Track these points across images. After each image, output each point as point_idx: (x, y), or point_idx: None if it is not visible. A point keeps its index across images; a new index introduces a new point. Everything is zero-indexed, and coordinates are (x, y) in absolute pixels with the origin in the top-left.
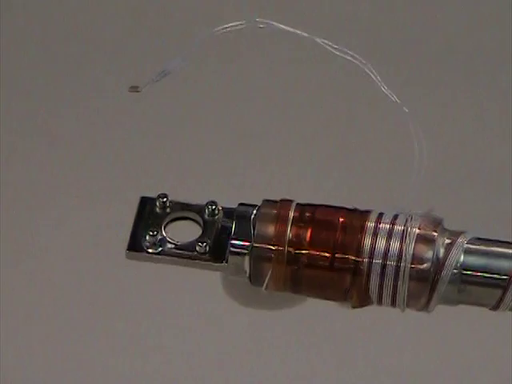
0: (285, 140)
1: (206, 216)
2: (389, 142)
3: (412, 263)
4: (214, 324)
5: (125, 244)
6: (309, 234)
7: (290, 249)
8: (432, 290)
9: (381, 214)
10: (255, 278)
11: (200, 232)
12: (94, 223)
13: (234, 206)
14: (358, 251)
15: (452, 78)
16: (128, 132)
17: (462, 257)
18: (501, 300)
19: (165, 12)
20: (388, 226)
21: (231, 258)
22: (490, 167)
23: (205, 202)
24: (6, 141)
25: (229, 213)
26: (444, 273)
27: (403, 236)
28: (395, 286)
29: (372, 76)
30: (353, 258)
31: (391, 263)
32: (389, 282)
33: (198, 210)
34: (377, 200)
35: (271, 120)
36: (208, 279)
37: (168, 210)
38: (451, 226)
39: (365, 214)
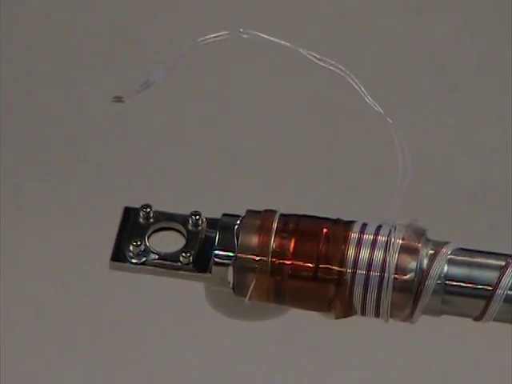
0: (268, 150)
1: (190, 226)
2: (372, 152)
3: (395, 274)
4: (197, 335)
5: (108, 254)
6: (292, 244)
7: (274, 259)
8: (416, 300)
9: (364, 225)
10: (239, 288)
11: (184, 242)
12: (77, 233)
13: (218, 216)
14: (342, 262)
15: (436, 88)
16: (111, 142)
17: (446, 267)
18: (484, 310)
19: (148, 22)
20: (371, 237)
21: (215, 269)
22: (473, 177)
23: (188, 213)
24: None
25: (212, 223)
26: (427, 283)
27: (387, 247)
28: (379, 297)
29: (356, 86)
30: (336, 268)
31: (375, 274)
32: (372, 292)
33: (182, 220)
34: (360, 211)
35: (255, 130)
36: (191, 290)
37: (152, 220)
38: (435, 237)
39: (348, 225)
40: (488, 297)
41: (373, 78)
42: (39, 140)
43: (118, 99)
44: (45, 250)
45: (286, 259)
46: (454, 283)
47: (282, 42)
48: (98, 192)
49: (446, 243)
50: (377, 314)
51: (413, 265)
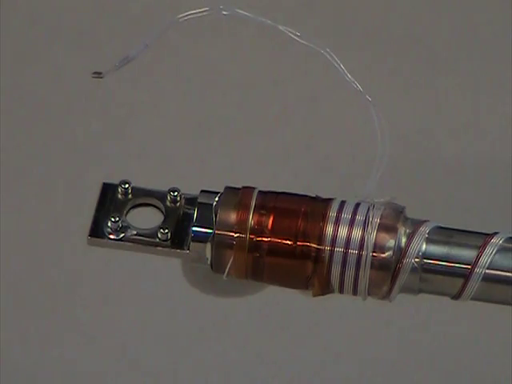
0: (247, 127)
1: (168, 203)
2: (351, 129)
3: (374, 252)
4: (174, 311)
5: (86, 230)
6: (270, 221)
7: (252, 236)
8: (394, 278)
9: (343, 203)
10: (217, 265)
11: (162, 219)
12: (56, 209)
13: (196, 193)
14: (320, 239)
15: (415, 66)
16: (91, 118)
17: (424, 246)
18: (462, 289)
19: None
20: (350, 215)
21: (193, 245)
22: (452, 156)
23: (167, 189)
24: None
25: (191, 200)
26: (405, 261)
27: (365, 225)
28: (357, 275)
29: (335, 64)
30: (314, 245)
31: (353, 252)
32: (350, 270)
33: (160, 196)
34: (339, 188)
35: (234, 107)
36: (169, 266)
37: (130, 196)
38: (413, 215)
39: (327, 202)
40: (466, 275)
41: (353, 56)
42: (16, 115)
43: (98, 75)
44: (22, 225)
45: (264, 236)
46: (432, 261)
47: (263, 19)
48: (77, 168)
49: (425, 222)
50: (355, 292)
51: (391, 243)
